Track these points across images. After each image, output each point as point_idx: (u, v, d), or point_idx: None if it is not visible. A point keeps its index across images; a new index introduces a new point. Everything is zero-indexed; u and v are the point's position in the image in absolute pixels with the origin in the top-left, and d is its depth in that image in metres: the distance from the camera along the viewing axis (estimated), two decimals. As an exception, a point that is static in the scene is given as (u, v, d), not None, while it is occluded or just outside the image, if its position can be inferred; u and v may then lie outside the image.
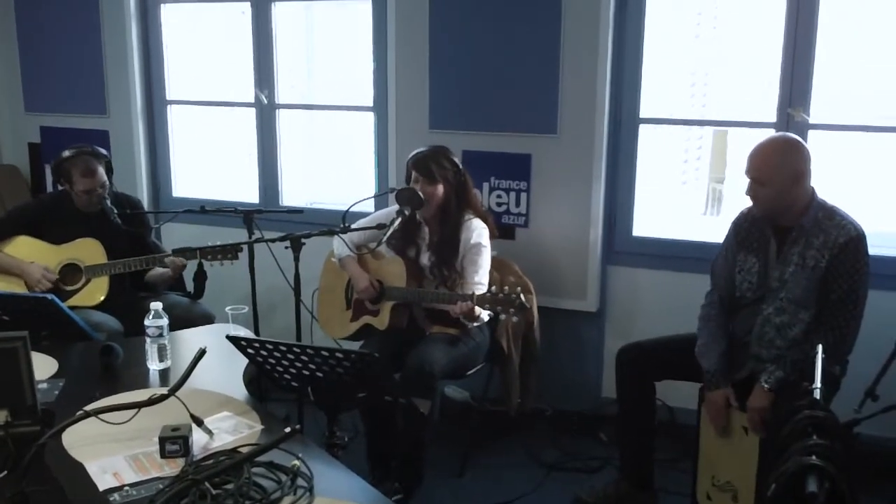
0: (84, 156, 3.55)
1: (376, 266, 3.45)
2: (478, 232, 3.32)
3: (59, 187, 3.63)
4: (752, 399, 2.77)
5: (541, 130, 3.83)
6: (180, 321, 3.21)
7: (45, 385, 2.45)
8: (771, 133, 3.49)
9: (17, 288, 3.46)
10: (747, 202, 2.89)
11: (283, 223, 3.86)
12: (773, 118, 3.58)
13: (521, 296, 2.95)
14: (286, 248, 3.04)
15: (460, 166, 3.38)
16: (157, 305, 2.67)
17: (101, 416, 1.97)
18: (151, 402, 2.02)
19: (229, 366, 2.57)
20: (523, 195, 3.93)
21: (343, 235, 3.26)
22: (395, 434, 3.20)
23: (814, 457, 1.58)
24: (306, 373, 2.27)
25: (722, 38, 4.89)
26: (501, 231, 3.76)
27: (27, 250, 3.56)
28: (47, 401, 2.31)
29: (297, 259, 3.03)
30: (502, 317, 3.00)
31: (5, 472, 1.83)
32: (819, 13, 3.43)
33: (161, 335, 2.65)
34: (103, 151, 3.66)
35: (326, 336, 3.59)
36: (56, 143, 4.68)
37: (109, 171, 3.63)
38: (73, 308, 3.12)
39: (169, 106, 4.75)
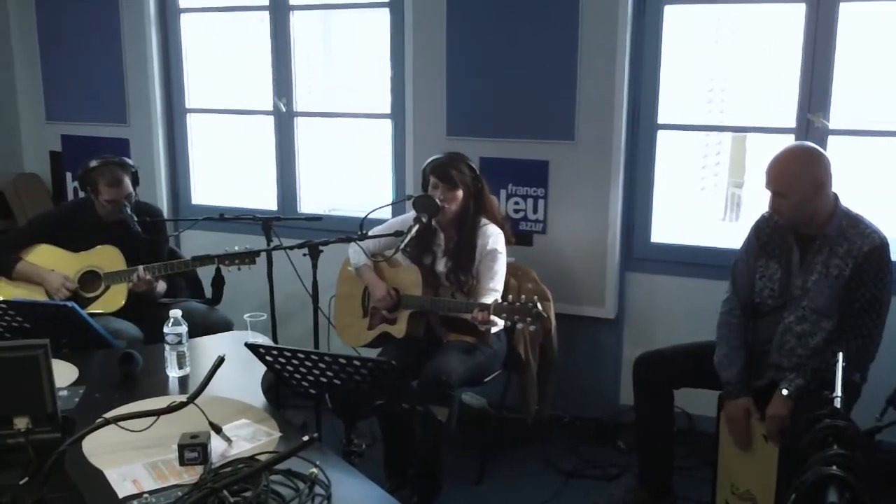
0: (111, 166, 3.57)
1: (392, 274, 3.45)
2: (494, 238, 3.32)
3: (82, 195, 3.66)
4: (771, 407, 2.75)
5: (558, 137, 3.82)
6: (199, 328, 3.22)
7: (65, 392, 2.46)
8: (790, 139, 3.48)
9: (38, 296, 3.49)
10: (766, 207, 2.87)
11: (302, 230, 3.87)
12: (792, 124, 3.55)
13: (538, 305, 2.94)
14: (304, 255, 3.05)
15: (478, 172, 3.38)
16: (176, 313, 2.68)
17: (120, 423, 1.99)
18: (171, 409, 2.04)
19: (248, 373, 2.57)
20: (541, 202, 3.92)
21: (360, 243, 3.27)
22: (413, 442, 3.21)
23: (834, 467, 1.56)
24: (324, 380, 2.28)
25: (741, 44, 4.87)
26: (519, 238, 3.76)
27: (48, 258, 3.59)
28: (68, 408, 2.32)
29: (315, 266, 3.04)
30: (519, 326, 2.98)
31: (26, 479, 1.84)
32: (838, 18, 3.40)
33: (180, 342, 2.66)
34: (130, 162, 3.68)
35: (344, 344, 3.59)
36: (77, 152, 4.76)
37: (135, 183, 3.65)
38: (92, 315, 3.15)
39: (188, 114, 4.78)
